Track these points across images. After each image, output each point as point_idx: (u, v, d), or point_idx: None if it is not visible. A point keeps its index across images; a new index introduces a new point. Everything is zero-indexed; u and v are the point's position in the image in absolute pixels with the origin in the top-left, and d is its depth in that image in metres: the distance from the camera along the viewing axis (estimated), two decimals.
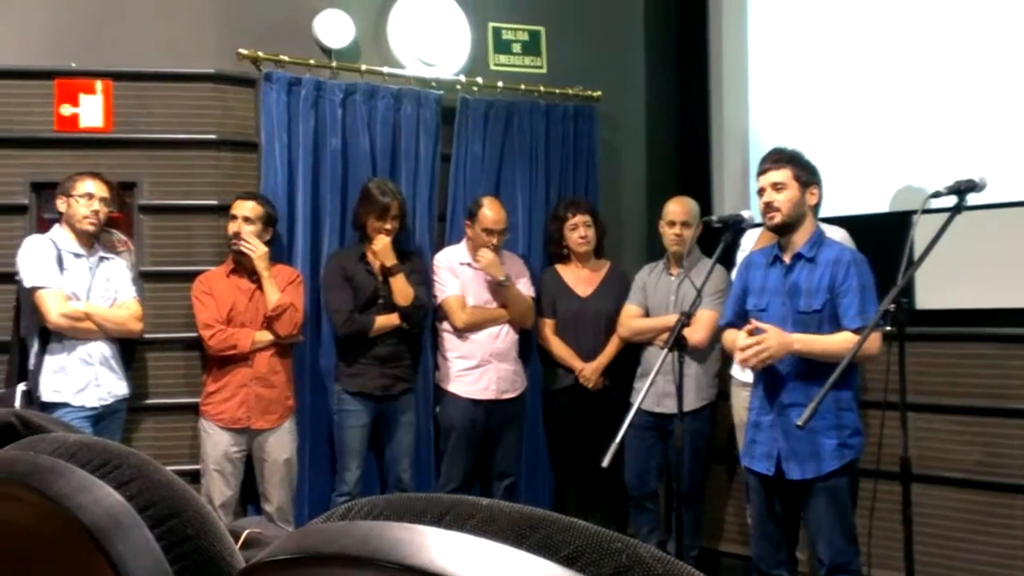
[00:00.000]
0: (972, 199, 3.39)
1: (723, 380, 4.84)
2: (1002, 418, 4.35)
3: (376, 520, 0.83)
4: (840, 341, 3.48)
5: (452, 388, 4.87)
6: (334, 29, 4.90)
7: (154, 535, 0.95)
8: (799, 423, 3.09)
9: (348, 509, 0.88)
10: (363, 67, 4.96)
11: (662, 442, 4.81)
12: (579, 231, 5.07)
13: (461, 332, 4.86)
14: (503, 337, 4.91)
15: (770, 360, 3.55)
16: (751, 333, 3.58)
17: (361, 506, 0.88)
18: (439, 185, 5.12)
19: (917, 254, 3.32)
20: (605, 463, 3.36)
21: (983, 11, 4.56)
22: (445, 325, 4.91)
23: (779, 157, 3.70)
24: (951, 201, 3.37)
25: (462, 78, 5.21)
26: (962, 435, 4.45)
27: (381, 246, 4.60)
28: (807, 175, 3.67)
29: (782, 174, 3.64)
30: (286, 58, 4.73)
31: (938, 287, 4.48)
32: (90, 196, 4.18)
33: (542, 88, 5.40)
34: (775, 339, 3.52)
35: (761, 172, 3.70)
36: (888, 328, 3.31)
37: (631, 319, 4.94)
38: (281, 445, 4.47)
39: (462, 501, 0.84)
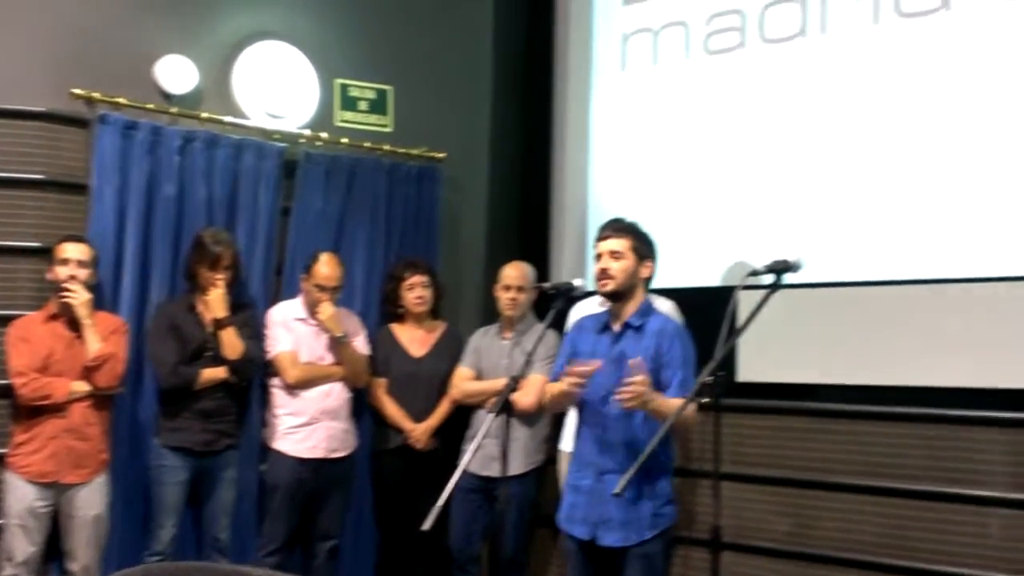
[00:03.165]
0: (791, 278, 3.52)
1: (551, 444, 4.88)
2: (815, 490, 4.51)
3: None
4: (677, 406, 3.52)
5: (279, 446, 4.76)
6: (176, 75, 4.81)
7: None
8: (616, 492, 3.13)
9: None
10: (203, 114, 4.87)
11: (488, 505, 4.81)
12: (415, 291, 5.06)
13: (292, 388, 4.78)
14: (335, 395, 4.84)
15: (639, 403, 3.45)
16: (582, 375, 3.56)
17: (141, 574, 0.86)
18: (278, 238, 5.05)
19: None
20: (427, 526, 3.32)
21: (810, 94, 4.80)
22: (275, 381, 4.81)
23: (620, 227, 3.78)
24: (772, 278, 3.50)
25: (306, 132, 5.18)
26: (775, 506, 4.59)
27: (215, 296, 4.49)
28: (645, 248, 3.76)
29: (621, 243, 3.72)
30: (123, 100, 4.61)
31: (760, 361, 4.64)
32: None
33: (387, 147, 5.41)
34: (648, 386, 3.46)
35: (601, 238, 3.76)
36: (705, 400, 3.40)
37: (463, 381, 4.95)
38: (91, 501, 4.27)
39: (238, 572, 0.83)
